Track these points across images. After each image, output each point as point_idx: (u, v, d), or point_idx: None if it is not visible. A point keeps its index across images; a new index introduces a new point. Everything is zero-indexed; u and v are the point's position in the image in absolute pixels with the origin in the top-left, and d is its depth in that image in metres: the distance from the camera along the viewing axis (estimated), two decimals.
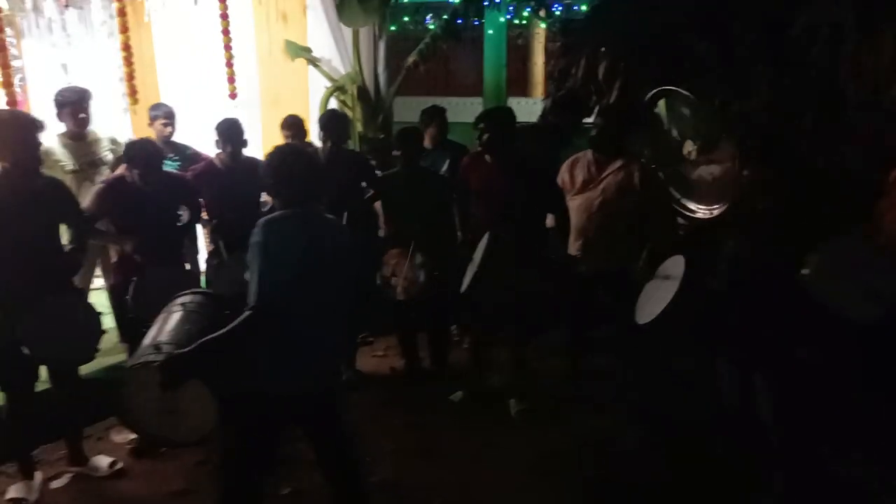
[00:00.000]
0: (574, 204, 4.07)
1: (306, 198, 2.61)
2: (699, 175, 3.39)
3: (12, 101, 4.49)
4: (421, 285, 4.05)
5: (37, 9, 5.25)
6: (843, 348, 3.53)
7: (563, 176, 4.19)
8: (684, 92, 3.35)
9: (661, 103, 3.51)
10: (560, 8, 10.48)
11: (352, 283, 2.74)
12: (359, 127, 6.64)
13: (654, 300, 3.36)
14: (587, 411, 4.16)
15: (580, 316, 4.39)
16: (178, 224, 4.06)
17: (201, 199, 4.34)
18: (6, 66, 4.44)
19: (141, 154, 3.64)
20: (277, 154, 2.65)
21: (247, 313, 2.42)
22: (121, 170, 3.85)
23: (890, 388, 3.40)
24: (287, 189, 2.60)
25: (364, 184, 4.61)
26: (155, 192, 3.67)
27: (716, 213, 3.31)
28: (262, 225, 2.50)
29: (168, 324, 2.79)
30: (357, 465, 2.85)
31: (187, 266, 4.75)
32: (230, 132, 4.17)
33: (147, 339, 2.76)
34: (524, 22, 11.90)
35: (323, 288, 2.57)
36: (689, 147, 3.33)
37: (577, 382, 4.43)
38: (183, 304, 2.87)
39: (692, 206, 3.48)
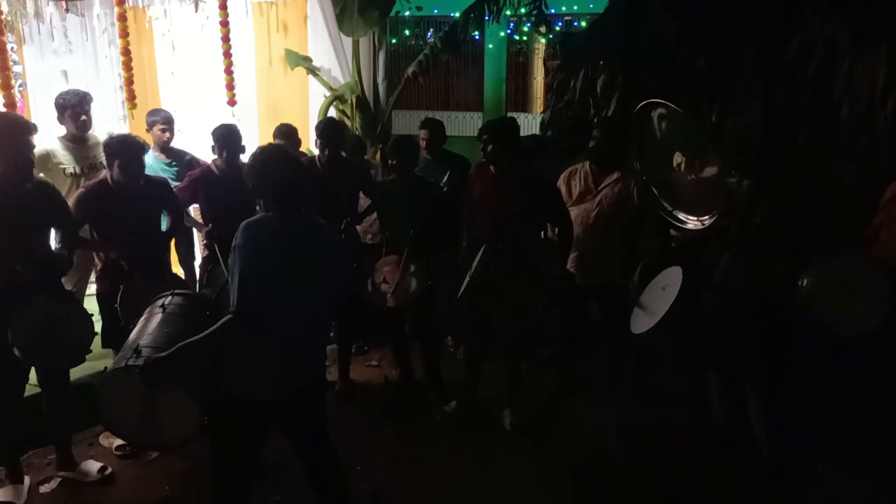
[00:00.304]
0: (570, 215, 4.07)
1: (289, 199, 2.56)
2: (689, 186, 3.39)
3: (10, 103, 4.50)
4: (412, 293, 4.03)
5: (38, 15, 5.27)
6: (835, 362, 3.53)
7: (559, 187, 4.20)
8: (672, 105, 3.36)
9: (651, 115, 3.51)
10: (560, 24, 10.59)
11: (338, 287, 2.70)
12: None
13: (651, 310, 3.34)
14: (580, 424, 4.13)
15: (574, 329, 4.38)
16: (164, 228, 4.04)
17: (196, 205, 4.36)
18: (5, 69, 4.46)
19: (121, 145, 3.57)
20: (259, 155, 2.60)
21: (227, 317, 2.38)
22: (103, 174, 3.79)
23: (882, 400, 3.39)
24: (269, 190, 2.56)
25: (361, 192, 4.60)
26: (136, 196, 3.62)
27: (706, 223, 3.30)
28: (243, 228, 2.46)
29: (148, 326, 2.76)
30: (341, 471, 2.83)
31: (182, 272, 4.77)
32: (226, 137, 4.14)
33: (127, 342, 2.73)
34: (524, 38, 11.99)
35: (305, 291, 2.53)
36: (679, 158, 3.32)
37: (570, 395, 4.41)
38: (163, 306, 2.83)
39: (682, 216, 3.48)
